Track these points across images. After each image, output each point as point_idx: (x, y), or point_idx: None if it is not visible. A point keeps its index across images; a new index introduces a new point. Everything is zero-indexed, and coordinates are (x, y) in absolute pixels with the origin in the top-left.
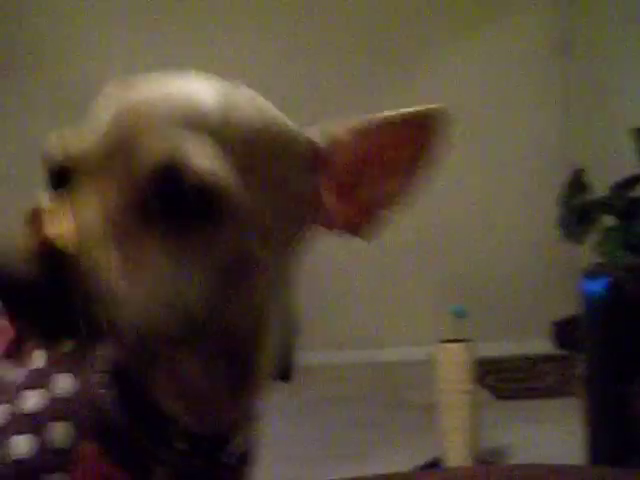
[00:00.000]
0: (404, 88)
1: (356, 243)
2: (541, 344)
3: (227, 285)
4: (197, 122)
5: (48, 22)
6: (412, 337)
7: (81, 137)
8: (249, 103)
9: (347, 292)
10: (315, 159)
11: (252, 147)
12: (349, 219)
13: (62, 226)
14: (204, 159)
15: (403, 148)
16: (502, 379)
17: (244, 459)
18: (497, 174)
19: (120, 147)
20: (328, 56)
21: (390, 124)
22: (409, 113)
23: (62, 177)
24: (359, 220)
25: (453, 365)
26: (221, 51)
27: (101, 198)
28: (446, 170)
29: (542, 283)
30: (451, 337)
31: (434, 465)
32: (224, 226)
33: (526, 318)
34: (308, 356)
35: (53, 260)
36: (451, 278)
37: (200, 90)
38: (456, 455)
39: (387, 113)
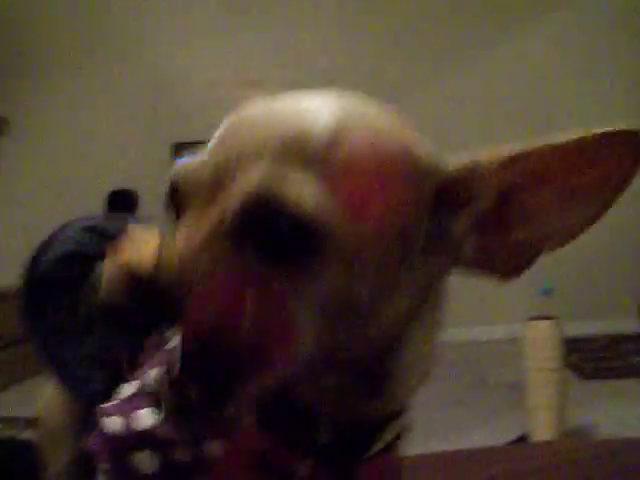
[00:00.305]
0: (468, 75)
1: None
2: (627, 323)
3: (333, 322)
4: (299, 150)
5: (132, 8)
6: (493, 315)
7: (194, 164)
8: (367, 126)
9: None
10: (451, 193)
11: (363, 179)
12: (494, 259)
13: (144, 252)
14: (301, 191)
15: (581, 178)
16: (586, 358)
17: (388, 452)
18: None
19: (221, 175)
20: (395, 44)
21: (564, 150)
22: (592, 138)
23: (178, 205)
24: (507, 260)
25: (541, 343)
26: (296, 36)
27: (200, 225)
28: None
29: (629, 262)
30: (537, 314)
31: (520, 442)
32: (325, 262)
33: (612, 297)
34: None
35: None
36: None
37: (310, 114)
38: (543, 433)
39: (558, 138)
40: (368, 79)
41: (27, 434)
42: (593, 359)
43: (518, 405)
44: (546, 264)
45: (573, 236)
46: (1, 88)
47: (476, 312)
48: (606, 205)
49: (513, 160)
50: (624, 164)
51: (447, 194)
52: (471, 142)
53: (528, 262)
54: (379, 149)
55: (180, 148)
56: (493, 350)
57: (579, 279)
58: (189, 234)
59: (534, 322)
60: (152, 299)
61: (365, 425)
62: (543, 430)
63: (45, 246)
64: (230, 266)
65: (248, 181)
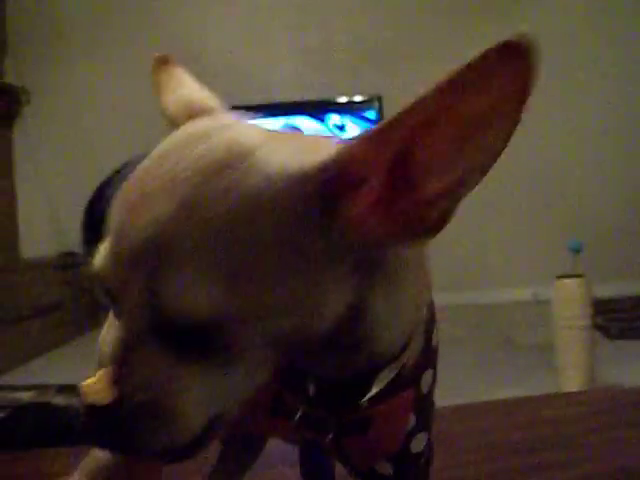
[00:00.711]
0: (499, 30)
1: None
2: None
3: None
4: (165, 244)
5: None
6: (519, 277)
7: (102, 257)
8: (223, 189)
9: (452, 234)
10: (331, 188)
11: (235, 243)
12: (411, 221)
13: (101, 383)
14: (178, 291)
15: (472, 110)
16: (612, 319)
17: (405, 389)
18: (611, 108)
19: (119, 274)
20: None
21: (444, 90)
22: (470, 66)
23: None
24: (426, 218)
25: (570, 301)
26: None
27: (121, 323)
28: (558, 104)
29: None
30: (565, 273)
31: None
32: (236, 335)
33: (638, 258)
34: None
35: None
36: (561, 217)
37: (164, 206)
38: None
39: (439, 79)
40: (388, 41)
41: (60, 400)
42: (619, 320)
43: (546, 365)
44: (574, 224)
45: (483, 173)
46: (21, 58)
47: (502, 274)
48: (506, 133)
49: (391, 126)
50: (513, 83)
51: (328, 190)
52: None
53: (447, 213)
54: (243, 202)
55: None
56: (512, 313)
57: (605, 241)
58: (117, 335)
59: (562, 280)
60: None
61: (354, 377)
62: (572, 388)
63: (107, 183)
64: (145, 362)
65: (136, 292)
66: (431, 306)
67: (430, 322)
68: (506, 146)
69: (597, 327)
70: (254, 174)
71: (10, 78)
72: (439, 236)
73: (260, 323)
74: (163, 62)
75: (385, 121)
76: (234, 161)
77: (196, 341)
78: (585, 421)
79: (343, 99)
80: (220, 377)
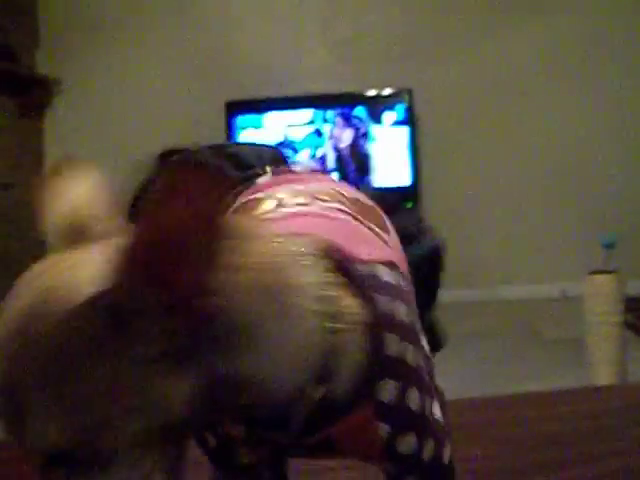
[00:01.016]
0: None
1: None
2: None
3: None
4: (6, 393)
5: None
6: (543, 273)
7: None
8: (42, 330)
9: (481, 230)
10: (111, 314)
11: (54, 377)
12: (187, 315)
13: None
14: (29, 430)
15: (177, 220)
16: None
17: (311, 430)
18: None
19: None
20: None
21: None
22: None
23: None
24: (195, 311)
25: (602, 297)
26: None
27: None
28: (587, 98)
29: None
30: (598, 269)
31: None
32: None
33: None
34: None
35: None
36: (591, 213)
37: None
38: None
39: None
40: (419, 35)
41: None
42: None
43: (576, 361)
44: (604, 220)
45: (213, 257)
46: (52, 49)
47: (531, 270)
48: (204, 237)
49: (128, 254)
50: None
51: (109, 317)
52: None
53: (213, 298)
54: (48, 354)
55: (232, 106)
56: (539, 308)
57: (635, 236)
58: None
59: (594, 276)
60: None
61: (270, 417)
62: (603, 384)
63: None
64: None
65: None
66: (377, 321)
67: (377, 338)
68: (217, 239)
69: (627, 325)
70: (66, 307)
71: (42, 69)
72: (469, 232)
73: (111, 434)
74: (55, 173)
75: (123, 252)
76: (54, 299)
77: (69, 459)
78: (619, 415)
79: (372, 92)
80: (107, 477)
